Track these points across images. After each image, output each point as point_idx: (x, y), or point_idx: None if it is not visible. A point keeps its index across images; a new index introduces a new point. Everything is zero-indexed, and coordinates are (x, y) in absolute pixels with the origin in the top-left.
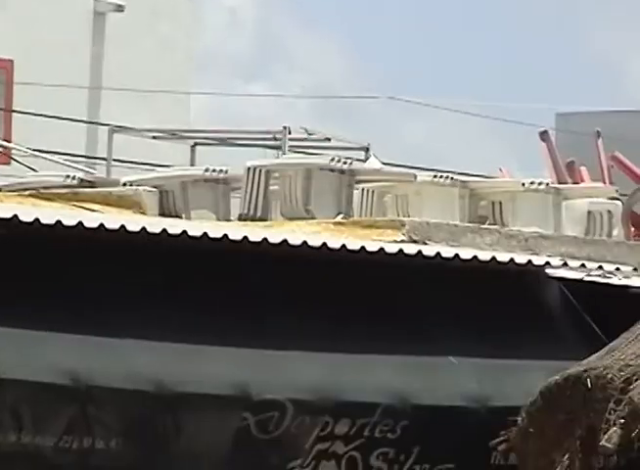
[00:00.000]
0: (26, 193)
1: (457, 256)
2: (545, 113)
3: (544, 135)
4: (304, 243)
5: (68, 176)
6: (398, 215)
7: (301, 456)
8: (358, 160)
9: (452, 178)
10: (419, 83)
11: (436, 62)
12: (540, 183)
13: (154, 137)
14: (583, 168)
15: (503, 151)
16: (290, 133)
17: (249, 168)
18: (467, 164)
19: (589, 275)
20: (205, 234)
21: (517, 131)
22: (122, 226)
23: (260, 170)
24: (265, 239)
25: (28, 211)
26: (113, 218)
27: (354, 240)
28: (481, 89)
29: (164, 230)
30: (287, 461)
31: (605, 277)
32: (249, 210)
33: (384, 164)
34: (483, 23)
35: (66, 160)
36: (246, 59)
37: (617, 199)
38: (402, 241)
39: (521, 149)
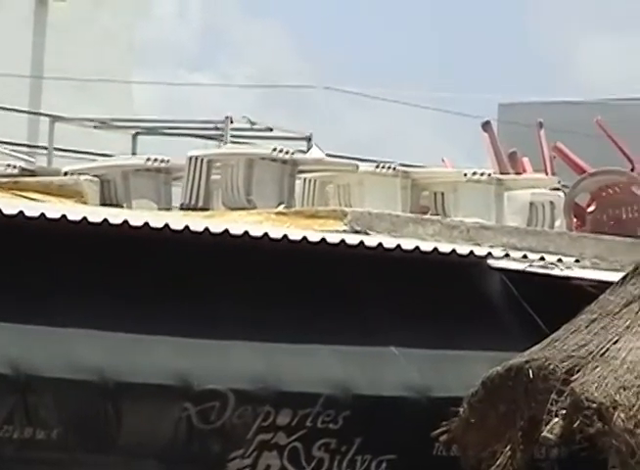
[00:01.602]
0: None
1: (399, 246)
2: (488, 103)
3: (486, 126)
4: (246, 233)
5: (8, 165)
6: (340, 205)
7: (243, 447)
8: (300, 150)
9: (394, 169)
10: (365, 73)
11: (381, 52)
12: (482, 174)
13: (95, 127)
14: (525, 159)
15: (447, 141)
16: (232, 123)
17: (190, 158)
18: (410, 154)
19: (531, 266)
20: (147, 224)
21: (461, 122)
22: (63, 216)
23: (202, 160)
24: (207, 229)
25: None
26: (54, 208)
27: (296, 230)
28: (425, 80)
29: (105, 220)
30: (228, 452)
31: (547, 268)
32: (190, 199)
33: (326, 154)
34: (427, 12)
35: (6, 149)
36: (190, 48)
37: (560, 190)
38: (344, 231)
39: (465, 139)
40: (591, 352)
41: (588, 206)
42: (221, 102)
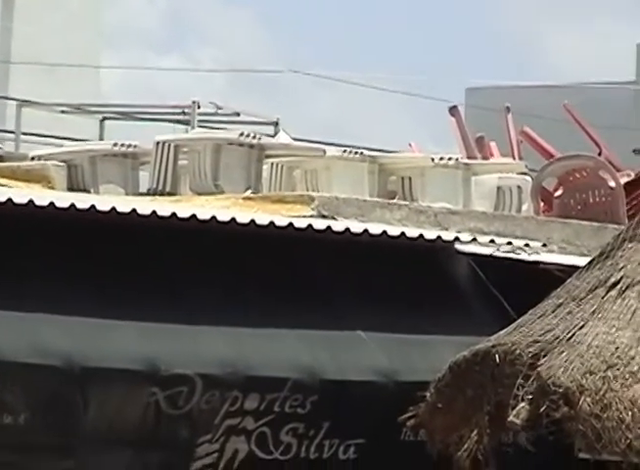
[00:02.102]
0: None
1: (366, 231)
2: (456, 87)
3: (453, 110)
4: (213, 218)
5: None
6: (307, 190)
7: (211, 432)
8: (268, 134)
9: (361, 153)
10: (332, 57)
11: (349, 35)
12: (450, 158)
13: (62, 112)
14: (493, 144)
15: (416, 125)
16: (199, 108)
17: (157, 143)
18: (379, 138)
19: (498, 251)
20: (114, 209)
21: (429, 105)
22: (30, 201)
23: (169, 145)
24: (174, 214)
25: None
26: (21, 193)
27: (263, 215)
28: (393, 64)
29: (73, 205)
30: (196, 437)
31: (514, 253)
32: (157, 184)
33: (293, 138)
34: None
35: None
36: (159, 32)
37: (527, 174)
38: (311, 216)
39: (433, 123)
40: (557, 337)
41: (555, 190)
42: (190, 86)
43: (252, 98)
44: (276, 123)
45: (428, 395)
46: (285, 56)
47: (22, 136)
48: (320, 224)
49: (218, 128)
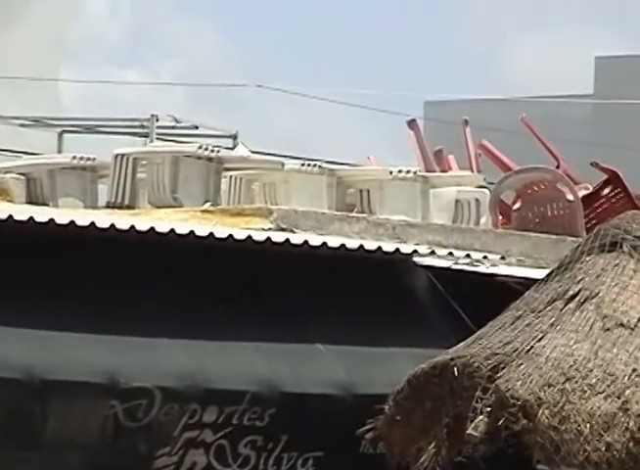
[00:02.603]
0: None
1: (325, 244)
2: (414, 101)
3: (412, 124)
4: (172, 231)
5: None
6: (266, 203)
7: (170, 444)
8: (227, 148)
9: (320, 166)
10: (293, 71)
11: (310, 50)
12: (408, 171)
13: (21, 125)
14: (451, 157)
15: (377, 139)
16: (157, 121)
17: (116, 156)
18: (340, 152)
19: (457, 263)
20: (73, 222)
21: (389, 119)
22: None
23: (128, 158)
24: (133, 227)
25: None
26: None
27: (222, 228)
28: (353, 77)
29: (31, 218)
30: (155, 449)
31: (472, 265)
32: (116, 197)
33: (252, 151)
34: (356, 10)
35: None
36: (120, 46)
37: (485, 187)
38: (270, 229)
39: (394, 137)
40: (516, 350)
41: (513, 203)
42: (151, 99)
43: (213, 111)
44: (235, 137)
45: (386, 407)
46: (246, 69)
47: None
48: (279, 237)
49: (177, 141)
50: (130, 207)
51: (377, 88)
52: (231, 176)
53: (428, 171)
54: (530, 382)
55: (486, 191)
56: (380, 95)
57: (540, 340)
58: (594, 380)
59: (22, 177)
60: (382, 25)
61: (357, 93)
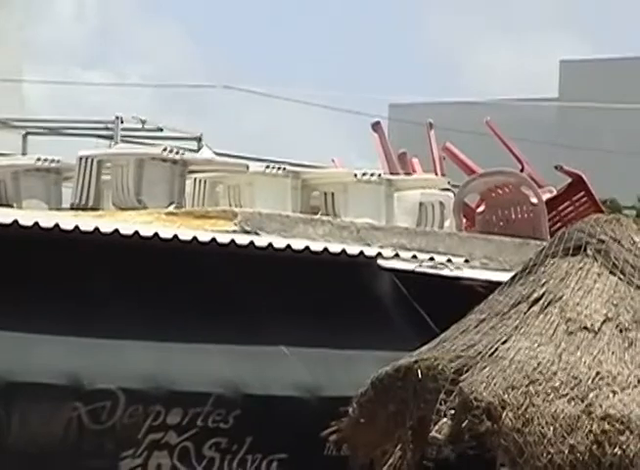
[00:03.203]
0: None
1: (289, 246)
2: (379, 103)
3: (376, 126)
4: (136, 233)
5: None
6: (230, 206)
7: (134, 446)
8: (191, 150)
9: (284, 169)
10: (262, 73)
11: (278, 51)
12: (372, 174)
13: None
14: (415, 160)
15: (344, 140)
16: (122, 123)
17: (80, 158)
18: (307, 154)
19: (421, 266)
20: (37, 224)
21: (357, 120)
22: None
23: (92, 160)
24: (97, 229)
25: None
26: None
27: (186, 230)
28: (321, 80)
29: None
30: (120, 451)
31: (436, 268)
32: (80, 199)
33: (217, 154)
34: (323, 13)
35: None
36: (86, 48)
37: (449, 190)
38: (234, 231)
39: (361, 138)
40: (480, 352)
41: (478, 206)
42: (117, 101)
43: (180, 113)
44: (199, 139)
45: (350, 410)
46: (213, 71)
47: None
48: (243, 240)
49: (141, 144)
50: (95, 208)
51: (343, 90)
52: (195, 179)
53: (392, 174)
54: (494, 384)
55: (451, 194)
56: (346, 97)
57: (504, 343)
58: (558, 383)
59: None
60: (348, 29)
61: (324, 95)
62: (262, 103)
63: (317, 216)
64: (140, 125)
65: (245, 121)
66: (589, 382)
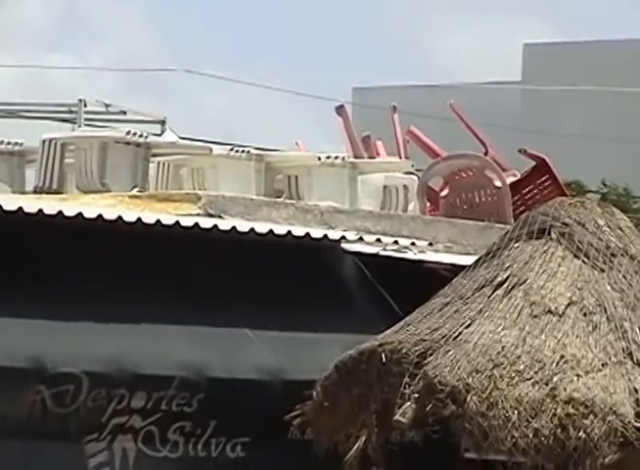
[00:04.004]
0: None
1: (253, 229)
2: (343, 86)
3: (340, 109)
4: (100, 216)
5: None
6: (194, 189)
7: (98, 430)
8: (154, 133)
9: (248, 152)
10: (226, 57)
11: (242, 35)
12: (336, 157)
13: None
14: (379, 143)
15: (309, 124)
16: (85, 106)
17: (44, 141)
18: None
19: (385, 250)
20: (0, 207)
21: (322, 104)
22: None
23: (56, 143)
24: (60, 212)
25: None
26: None
27: (150, 213)
28: (284, 64)
29: None
30: (83, 435)
31: (400, 252)
32: (44, 182)
33: (181, 137)
34: None
35: None
36: (50, 30)
37: (413, 173)
38: (198, 214)
39: (326, 121)
40: (444, 336)
41: (441, 189)
42: (81, 84)
43: (144, 97)
44: (163, 122)
45: (314, 393)
46: (178, 55)
47: None
48: (207, 223)
49: (105, 127)
50: (58, 192)
51: (307, 74)
52: (159, 162)
53: (356, 158)
54: (458, 368)
55: (414, 177)
56: (312, 81)
57: (468, 326)
58: (522, 366)
59: None
60: (313, 12)
61: (290, 79)
62: (227, 87)
63: (281, 200)
64: (103, 109)
65: (209, 106)
66: (553, 365)
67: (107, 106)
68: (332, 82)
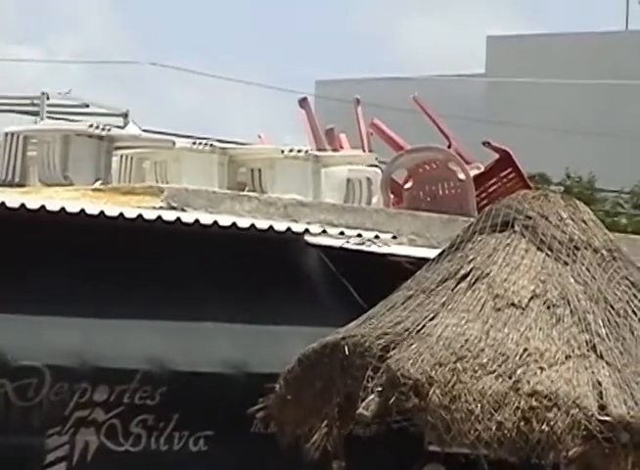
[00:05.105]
0: None
1: (216, 222)
2: (306, 79)
3: (303, 102)
4: (62, 209)
5: None
6: (157, 182)
7: (61, 424)
8: (117, 126)
9: (211, 145)
10: (192, 50)
11: (207, 28)
12: (299, 150)
13: None
14: (343, 136)
15: (275, 116)
16: (48, 99)
17: (6, 134)
18: (238, 130)
19: (348, 243)
20: None
21: (286, 96)
22: None
23: (18, 136)
24: (23, 205)
25: None
26: None
27: (113, 206)
28: (249, 57)
29: None
30: (46, 428)
31: (364, 245)
32: (6, 175)
33: (144, 130)
34: None
35: None
36: (13, 21)
37: (377, 166)
38: (161, 207)
39: (291, 114)
40: (407, 329)
41: (405, 182)
42: (45, 77)
43: (110, 90)
44: (125, 115)
45: (277, 387)
46: (145, 48)
47: None
48: (169, 216)
49: (68, 120)
50: (21, 185)
51: (270, 67)
52: (122, 155)
53: (319, 150)
54: (422, 361)
55: (378, 170)
56: (274, 73)
57: (432, 319)
58: (485, 359)
59: None
60: (277, 5)
61: (255, 72)
62: (192, 80)
63: (244, 193)
64: (66, 102)
65: (175, 98)
66: (517, 359)
67: (68, 98)
68: (296, 75)
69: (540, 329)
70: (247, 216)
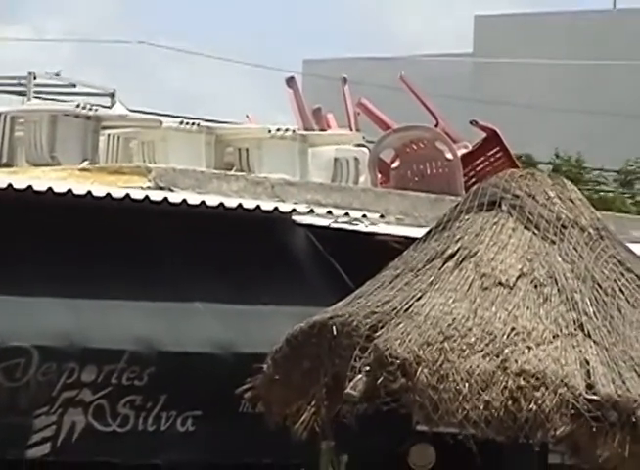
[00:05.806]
0: None
1: (203, 202)
2: (294, 58)
3: (290, 82)
4: (50, 189)
5: None
6: (144, 162)
7: (48, 404)
8: (104, 106)
9: (198, 125)
10: (180, 29)
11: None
12: (287, 130)
13: None
14: (330, 115)
15: (264, 95)
16: (35, 79)
17: None
18: (226, 109)
19: (336, 222)
20: None
21: (275, 75)
22: None
23: (5, 116)
24: (10, 185)
25: None
26: None
27: (100, 186)
28: (237, 36)
29: None
30: (34, 408)
31: (351, 224)
32: None
33: (131, 110)
34: None
35: None
36: (2, 2)
37: (364, 146)
38: (148, 187)
39: (280, 94)
40: (395, 309)
41: (393, 162)
42: (34, 57)
43: (98, 69)
44: (112, 95)
45: (265, 367)
46: (135, 27)
47: None
48: (157, 196)
49: (55, 100)
50: (8, 165)
51: (259, 46)
52: (109, 135)
53: (306, 130)
54: (409, 341)
55: (365, 150)
56: (265, 53)
57: (419, 299)
58: (473, 339)
59: None
60: None
61: (244, 52)
62: (181, 59)
63: (231, 172)
64: (53, 82)
65: (163, 78)
66: (504, 338)
67: (56, 75)
68: (284, 54)
69: (528, 308)
70: (234, 196)
